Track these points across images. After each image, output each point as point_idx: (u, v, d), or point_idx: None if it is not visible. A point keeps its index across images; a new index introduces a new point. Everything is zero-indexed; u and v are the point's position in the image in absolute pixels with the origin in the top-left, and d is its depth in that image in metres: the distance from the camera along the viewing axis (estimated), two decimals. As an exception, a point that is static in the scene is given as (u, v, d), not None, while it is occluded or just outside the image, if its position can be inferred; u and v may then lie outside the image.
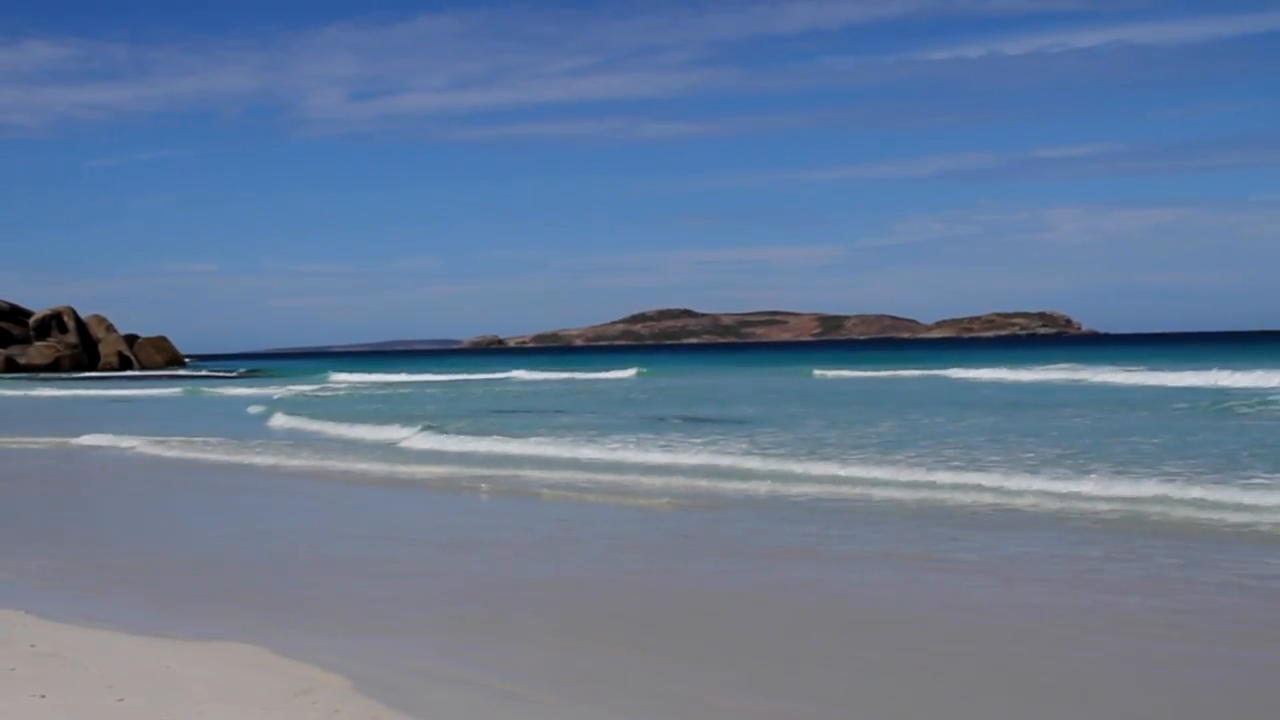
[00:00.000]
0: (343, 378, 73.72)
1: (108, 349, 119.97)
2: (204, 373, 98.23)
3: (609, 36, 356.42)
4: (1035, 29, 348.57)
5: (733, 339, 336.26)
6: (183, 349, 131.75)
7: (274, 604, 9.66)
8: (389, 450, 23.31)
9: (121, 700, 6.67)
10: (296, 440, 26.41)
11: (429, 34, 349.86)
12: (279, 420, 32.80)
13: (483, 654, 7.84)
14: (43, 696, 6.72)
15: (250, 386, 61.36)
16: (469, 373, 77.76)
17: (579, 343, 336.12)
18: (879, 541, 11.98)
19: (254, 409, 37.88)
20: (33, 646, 7.91)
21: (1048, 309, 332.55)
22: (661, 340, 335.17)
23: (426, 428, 26.10)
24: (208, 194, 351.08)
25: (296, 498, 17.33)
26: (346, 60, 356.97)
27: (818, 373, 62.06)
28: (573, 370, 75.32)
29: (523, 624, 8.72)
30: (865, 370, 62.02)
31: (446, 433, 25.31)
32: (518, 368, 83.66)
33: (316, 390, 55.35)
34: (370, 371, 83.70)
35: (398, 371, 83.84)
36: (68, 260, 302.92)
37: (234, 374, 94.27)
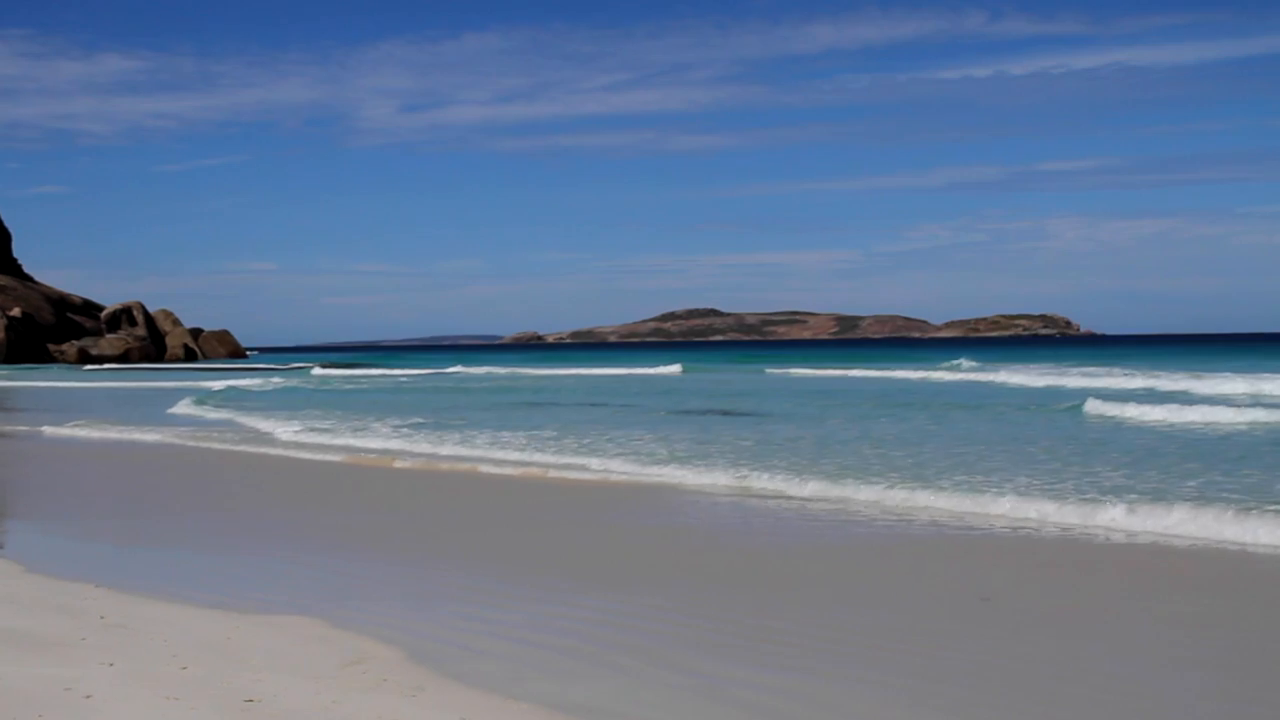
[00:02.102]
0: (322, 371, 75.39)
1: (174, 342, 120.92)
2: (235, 365, 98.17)
3: (642, 55, 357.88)
4: (1039, 51, 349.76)
5: (756, 337, 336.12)
6: (244, 343, 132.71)
7: (331, 577, 9.67)
8: (251, 435, 24.28)
9: (185, 669, 6.66)
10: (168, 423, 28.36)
11: (475, 51, 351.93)
12: (183, 409, 34.03)
13: (524, 625, 7.81)
14: (111, 665, 6.72)
15: (231, 379, 59.58)
16: (517, 367, 77.27)
17: (613, 339, 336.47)
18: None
19: (187, 399, 38.23)
20: (102, 618, 7.91)
21: (1049, 311, 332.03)
22: (690, 338, 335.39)
23: (308, 423, 26.22)
24: (268, 198, 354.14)
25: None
26: (398, 75, 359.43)
27: (769, 370, 63.65)
28: (616, 366, 74.98)
29: (566, 599, 8.70)
30: (812, 369, 62.12)
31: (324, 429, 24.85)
32: (557, 364, 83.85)
33: (272, 383, 54.05)
34: (393, 366, 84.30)
35: (440, 366, 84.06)
36: (137, 259, 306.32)
37: (261, 366, 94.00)
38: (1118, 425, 22.46)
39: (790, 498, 13.89)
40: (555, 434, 22.34)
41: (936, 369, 54.28)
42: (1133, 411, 24.13)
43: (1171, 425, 21.79)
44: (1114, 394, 30.47)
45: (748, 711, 6.09)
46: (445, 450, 20.00)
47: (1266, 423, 21.51)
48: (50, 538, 12.17)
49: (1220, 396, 28.83)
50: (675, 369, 65.89)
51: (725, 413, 28.91)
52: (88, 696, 6.08)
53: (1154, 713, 6.10)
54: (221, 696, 6.14)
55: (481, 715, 5.93)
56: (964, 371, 51.78)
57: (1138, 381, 37.00)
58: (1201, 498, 12.28)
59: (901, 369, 56.35)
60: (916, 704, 6.19)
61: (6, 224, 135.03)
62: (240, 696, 6.14)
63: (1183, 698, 6.38)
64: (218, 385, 50.52)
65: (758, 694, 6.36)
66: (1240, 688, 6.50)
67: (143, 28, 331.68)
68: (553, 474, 16.59)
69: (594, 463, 17.37)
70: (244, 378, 61.41)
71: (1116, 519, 11.45)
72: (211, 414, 31.61)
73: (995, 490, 13.27)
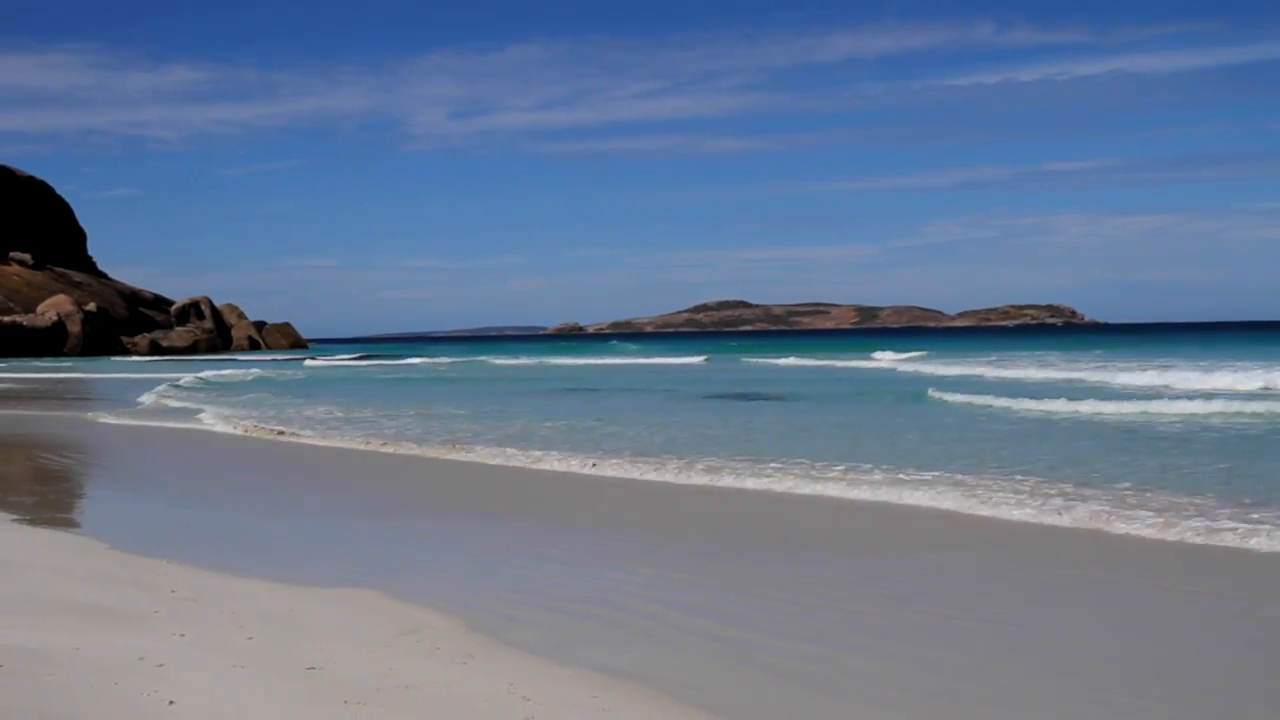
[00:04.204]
0: (316, 362, 76.09)
1: (239, 334, 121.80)
2: (273, 357, 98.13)
3: (674, 64, 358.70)
4: (1045, 58, 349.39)
5: (782, 327, 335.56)
6: (306, 334, 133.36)
7: (391, 552, 9.70)
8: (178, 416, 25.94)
9: (250, 639, 6.69)
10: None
11: (519, 61, 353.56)
12: (150, 398, 34.35)
13: (565, 596, 7.83)
14: (182, 636, 6.76)
15: (221, 369, 58.91)
16: (551, 357, 77.32)
17: (649, 329, 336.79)
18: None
19: (160, 387, 38.77)
20: (173, 591, 7.96)
21: (1055, 302, 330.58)
22: (720, 328, 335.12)
23: (228, 413, 26.29)
24: (326, 199, 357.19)
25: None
26: (447, 83, 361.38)
27: (744, 359, 65.54)
28: (652, 357, 74.90)
29: (611, 569, 8.70)
30: (790, 359, 62.21)
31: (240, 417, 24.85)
32: (594, 354, 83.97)
33: (254, 374, 52.94)
34: (414, 356, 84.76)
35: (485, 354, 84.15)
36: (204, 256, 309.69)
37: (299, 357, 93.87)
38: (933, 409, 23.69)
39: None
40: (594, 422, 22.39)
41: (862, 359, 57.15)
42: (959, 399, 25.40)
43: (978, 409, 23.09)
44: (968, 384, 31.50)
45: (774, 674, 6.09)
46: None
47: (1065, 413, 21.45)
48: (127, 516, 12.29)
49: (1110, 390, 28.54)
50: (701, 359, 66.51)
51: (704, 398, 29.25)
52: (160, 665, 6.11)
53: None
54: (285, 664, 6.17)
55: (529, 679, 5.94)
56: (877, 362, 54.83)
57: (1048, 374, 36.85)
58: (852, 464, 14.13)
59: (840, 359, 58.55)
60: (938, 673, 6.17)
61: (82, 224, 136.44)
62: (302, 665, 6.16)
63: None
64: (194, 375, 49.77)
65: (785, 658, 6.36)
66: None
67: (207, 41, 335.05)
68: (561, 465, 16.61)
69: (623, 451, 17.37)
70: (231, 368, 61.74)
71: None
72: (174, 403, 31.58)
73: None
